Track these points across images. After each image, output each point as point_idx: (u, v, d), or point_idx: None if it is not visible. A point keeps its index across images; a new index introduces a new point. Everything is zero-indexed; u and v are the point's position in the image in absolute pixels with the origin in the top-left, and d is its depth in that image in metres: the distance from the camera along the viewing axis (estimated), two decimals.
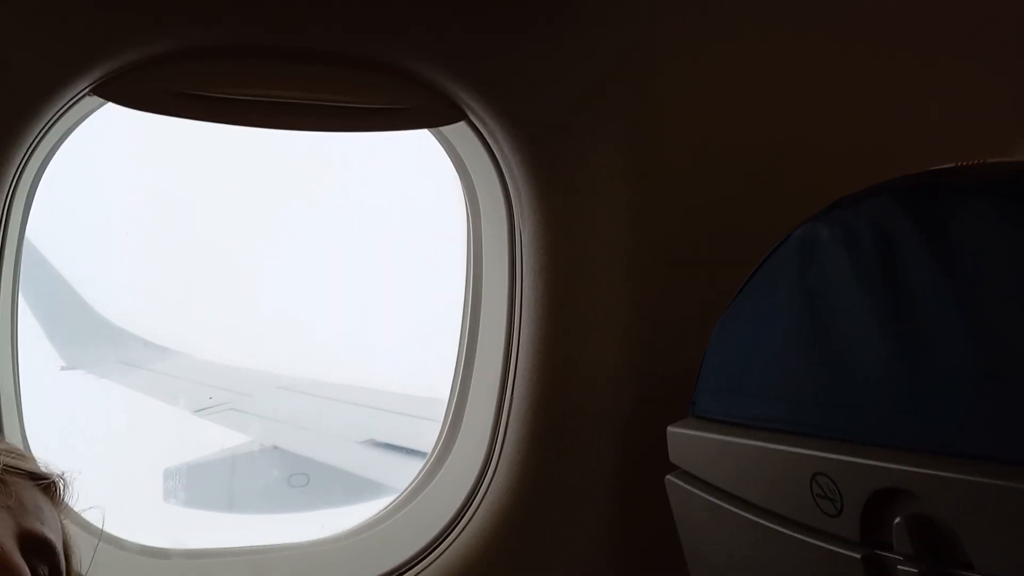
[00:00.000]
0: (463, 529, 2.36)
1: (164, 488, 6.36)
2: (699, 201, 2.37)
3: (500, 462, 2.35)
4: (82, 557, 1.54)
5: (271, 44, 2.08)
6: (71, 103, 2.01)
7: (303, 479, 7.23)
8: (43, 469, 1.51)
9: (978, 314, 1.31)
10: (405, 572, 2.37)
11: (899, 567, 1.38)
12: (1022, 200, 1.28)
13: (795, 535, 1.57)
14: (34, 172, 2.16)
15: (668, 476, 1.93)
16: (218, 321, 9.00)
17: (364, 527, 2.48)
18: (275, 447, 7.63)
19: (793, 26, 2.33)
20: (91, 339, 9.02)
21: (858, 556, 1.45)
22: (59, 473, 1.53)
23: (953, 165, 1.43)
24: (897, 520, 1.37)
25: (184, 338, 9.03)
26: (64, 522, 1.50)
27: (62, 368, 8.53)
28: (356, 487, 6.89)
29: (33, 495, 1.43)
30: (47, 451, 2.13)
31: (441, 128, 2.29)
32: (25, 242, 2.23)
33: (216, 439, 7.58)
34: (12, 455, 1.48)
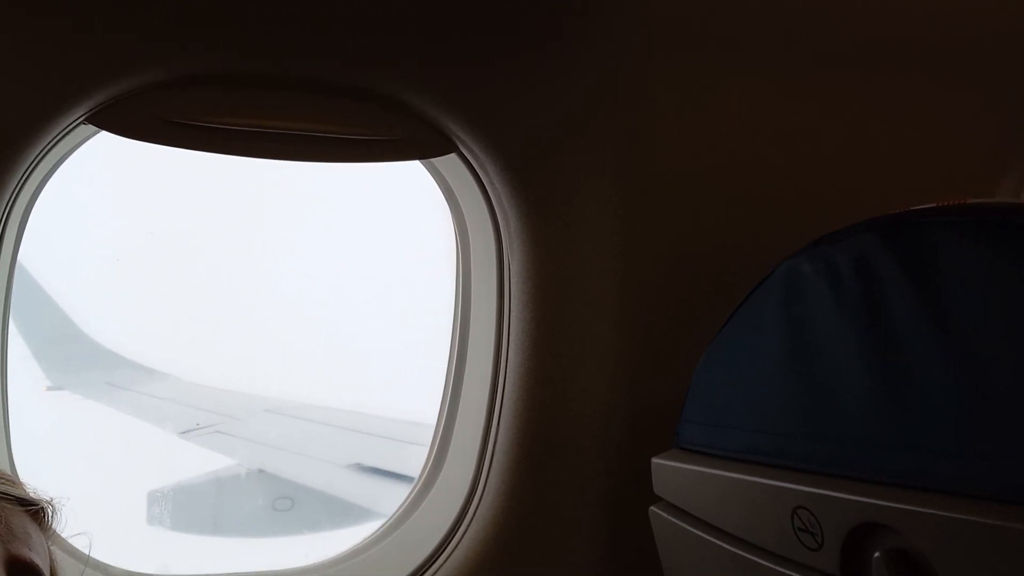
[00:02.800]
0: (449, 557, 2.35)
1: (148, 511, 6.33)
2: (687, 230, 2.37)
3: (486, 490, 2.35)
4: None
5: (263, 74, 2.09)
6: (66, 131, 2.02)
7: (287, 503, 7.20)
8: (32, 495, 1.51)
9: (960, 349, 1.32)
10: None
11: None
12: (1005, 235, 1.28)
13: (776, 568, 1.58)
14: (28, 198, 2.16)
15: (652, 507, 1.94)
16: (207, 344, 8.98)
17: (351, 553, 2.47)
18: (261, 470, 7.59)
19: (777, 63, 2.34)
20: (80, 361, 9.00)
21: None
22: (48, 499, 1.53)
23: (934, 205, 1.44)
24: (877, 555, 1.38)
25: (173, 361, 9.01)
26: (51, 548, 1.51)
27: (48, 388, 8.50)
28: (341, 511, 6.86)
29: (22, 521, 1.43)
30: (28, 471, 2.14)
31: (432, 159, 2.31)
32: (17, 266, 2.24)
33: (202, 462, 7.55)
34: (2, 481, 1.49)
